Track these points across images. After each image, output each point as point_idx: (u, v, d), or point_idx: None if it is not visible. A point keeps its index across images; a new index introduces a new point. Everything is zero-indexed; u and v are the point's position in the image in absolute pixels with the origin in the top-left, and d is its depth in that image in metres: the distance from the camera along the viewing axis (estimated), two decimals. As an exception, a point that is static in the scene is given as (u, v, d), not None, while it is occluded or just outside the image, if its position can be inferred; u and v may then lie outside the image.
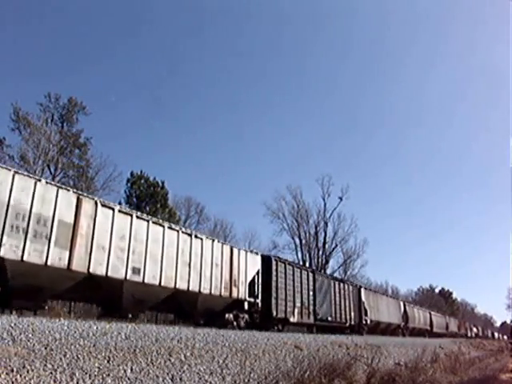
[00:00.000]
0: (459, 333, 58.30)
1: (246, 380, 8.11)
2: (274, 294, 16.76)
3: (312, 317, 19.30)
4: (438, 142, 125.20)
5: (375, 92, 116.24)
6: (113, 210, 10.76)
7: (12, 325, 6.43)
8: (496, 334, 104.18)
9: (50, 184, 9.85)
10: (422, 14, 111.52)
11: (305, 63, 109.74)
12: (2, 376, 5.04)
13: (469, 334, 66.93)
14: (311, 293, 19.42)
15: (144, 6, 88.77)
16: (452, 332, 53.38)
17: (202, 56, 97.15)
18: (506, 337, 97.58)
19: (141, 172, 36.88)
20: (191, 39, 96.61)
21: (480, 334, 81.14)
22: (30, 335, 6.24)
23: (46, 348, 6.03)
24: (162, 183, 36.65)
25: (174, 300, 12.16)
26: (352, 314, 24.30)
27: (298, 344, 11.91)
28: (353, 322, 24.16)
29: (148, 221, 11.69)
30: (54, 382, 5.44)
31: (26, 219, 8.71)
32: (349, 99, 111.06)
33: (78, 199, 10.00)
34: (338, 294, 22.95)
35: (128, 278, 10.62)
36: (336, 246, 51.06)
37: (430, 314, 45.02)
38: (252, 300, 15.57)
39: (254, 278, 15.88)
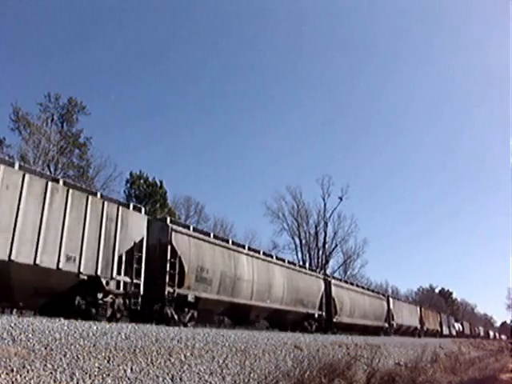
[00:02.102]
0: (423, 329, 37.91)
1: (246, 380, 8.11)
2: None
3: None
4: (440, 143, 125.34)
5: (375, 94, 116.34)
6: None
7: (12, 325, 6.43)
8: (492, 333, 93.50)
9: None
10: (414, 8, 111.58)
11: (308, 64, 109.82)
12: (2, 376, 5.04)
13: (446, 332, 46.25)
14: None
15: (144, 6, 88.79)
16: (407, 327, 34.03)
17: (201, 55, 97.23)
18: (504, 336, 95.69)
19: (140, 172, 37.03)
20: (190, 40, 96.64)
21: (467, 332, 62.13)
22: (30, 335, 6.24)
23: (45, 348, 6.03)
24: (161, 183, 36.79)
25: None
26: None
27: (297, 344, 11.91)
28: None
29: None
30: (54, 382, 5.44)
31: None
32: (351, 102, 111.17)
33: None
34: None
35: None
36: (336, 246, 51.07)
37: (348, 288, 25.07)
38: None
39: None
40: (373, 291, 31.28)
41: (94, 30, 79.82)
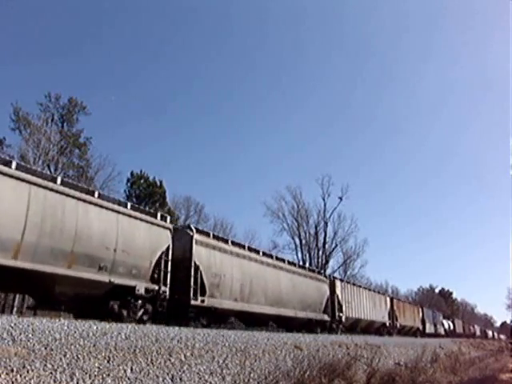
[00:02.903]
0: (395, 326, 30.55)
1: (246, 380, 8.11)
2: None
3: None
4: (440, 143, 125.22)
5: (376, 94, 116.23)
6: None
7: (12, 325, 6.42)
8: (490, 333, 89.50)
9: None
10: (413, 10, 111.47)
11: (307, 64, 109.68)
12: (2, 376, 5.03)
13: (430, 330, 39.37)
14: None
15: (143, 5, 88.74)
16: (369, 323, 26.32)
17: (201, 55, 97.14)
18: (503, 336, 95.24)
19: (140, 172, 37.08)
20: (190, 40, 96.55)
21: (460, 331, 54.75)
22: (30, 335, 6.24)
23: (45, 348, 6.02)
24: (160, 182, 36.88)
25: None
26: None
27: (297, 344, 11.91)
28: None
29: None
30: (54, 382, 5.44)
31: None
32: (351, 102, 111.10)
33: None
34: None
35: None
36: (336, 246, 50.97)
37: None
38: None
39: None
40: (303, 267, 21.55)
41: (94, 30, 79.89)
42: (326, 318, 21.12)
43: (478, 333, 72.15)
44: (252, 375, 8.39)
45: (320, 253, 49.86)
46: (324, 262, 49.56)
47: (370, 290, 29.94)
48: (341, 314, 22.66)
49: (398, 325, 31.61)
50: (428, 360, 17.10)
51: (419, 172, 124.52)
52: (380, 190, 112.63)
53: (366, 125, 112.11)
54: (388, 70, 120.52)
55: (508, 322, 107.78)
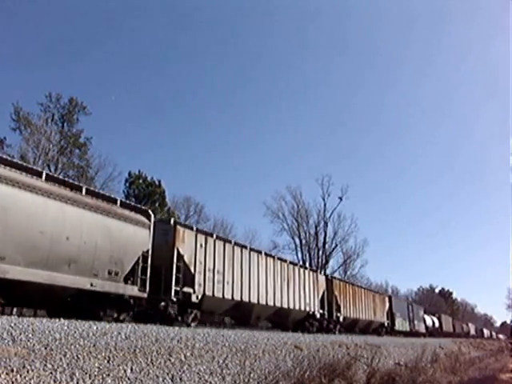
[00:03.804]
0: (336, 320, 21.68)
1: (246, 380, 8.11)
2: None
3: None
4: (441, 145, 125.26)
5: (377, 96, 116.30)
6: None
7: (12, 325, 6.42)
8: (487, 332, 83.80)
9: None
10: (418, 11, 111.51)
11: (309, 64, 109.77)
12: (2, 376, 5.04)
13: (402, 327, 31.65)
14: None
15: (141, 4, 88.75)
16: (275, 311, 16.79)
17: (202, 56, 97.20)
18: (502, 336, 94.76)
19: (139, 172, 37.12)
20: (191, 42, 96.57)
21: (448, 329, 47.91)
22: (30, 335, 6.24)
23: (46, 348, 6.02)
24: (159, 182, 36.89)
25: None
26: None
27: (297, 344, 11.92)
28: None
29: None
30: (54, 382, 5.44)
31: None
32: (352, 103, 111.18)
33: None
34: None
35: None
36: (336, 246, 50.93)
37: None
38: None
39: None
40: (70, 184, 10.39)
41: (95, 31, 79.85)
42: (137, 293, 10.98)
43: (472, 332, 64.32)
44: (252, 375, 8.39)
45: (320, 253, 49.93)
46: (324, 261, 49.64)
47: (280, 259, 18.38)
48: (190, 290, 12.79)
49: (341, 318, 22.09)
50: (428, 360, 17.10)
51: (420, 173, 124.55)
52: (381, 190, 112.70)
53: (369, 125, 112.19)
54: (392, 70, 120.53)
55: (508, 322, 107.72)
